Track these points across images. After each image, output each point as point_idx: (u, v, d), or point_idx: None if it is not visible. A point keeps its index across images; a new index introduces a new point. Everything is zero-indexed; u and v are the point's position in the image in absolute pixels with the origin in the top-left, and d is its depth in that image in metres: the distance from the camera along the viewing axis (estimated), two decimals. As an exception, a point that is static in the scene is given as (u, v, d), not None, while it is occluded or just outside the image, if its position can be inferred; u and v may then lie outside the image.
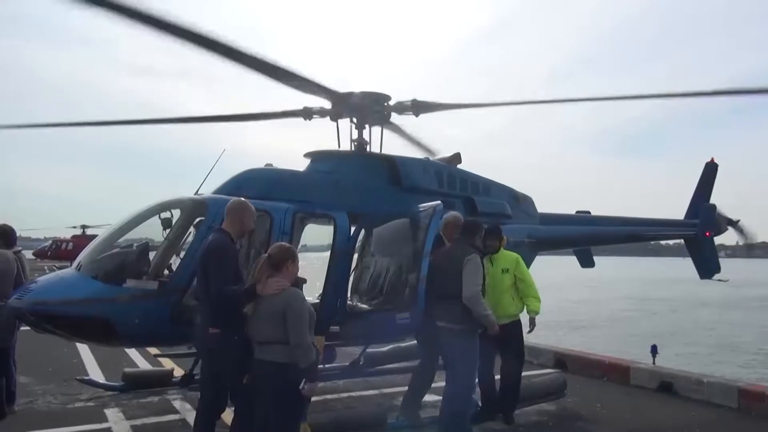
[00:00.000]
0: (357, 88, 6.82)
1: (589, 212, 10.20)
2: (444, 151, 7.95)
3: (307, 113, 7.18)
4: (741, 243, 10.63)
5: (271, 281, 3.86)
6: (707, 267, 9.97)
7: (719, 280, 10.54)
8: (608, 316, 29.54)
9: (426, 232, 5.86)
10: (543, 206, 8.76)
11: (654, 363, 9.03)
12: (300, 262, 4.14)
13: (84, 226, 42.76)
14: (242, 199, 4.53)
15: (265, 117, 7.42)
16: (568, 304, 32.75)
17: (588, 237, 9.35)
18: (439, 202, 6.03)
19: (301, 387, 3.74)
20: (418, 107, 7.06)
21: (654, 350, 8.90)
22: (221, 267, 4.04)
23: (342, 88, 6.82)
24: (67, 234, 45.98)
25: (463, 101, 7.42)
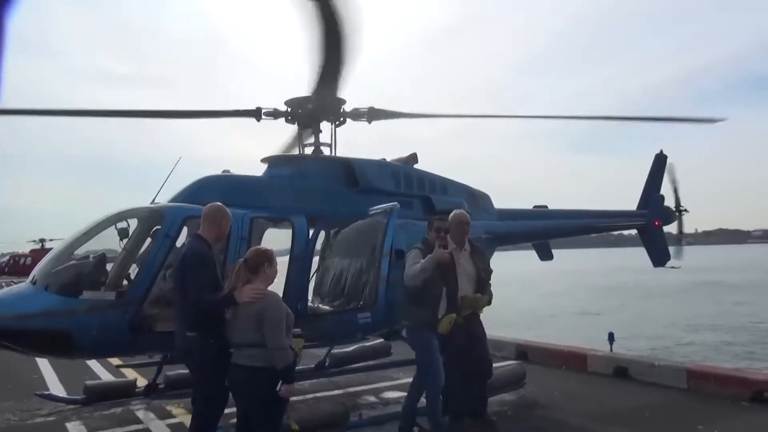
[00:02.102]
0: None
1: (546, 206, 10.52)
2: (410, 149, 8.10)
3: (257, 113, 7.22)
4: (675, 232, 11.06)
5: (246, 289, 3.91)
6: (659, 255, 10.34)
7: (672, 268, 11.00)
8: (574, 307, 30.28)
9: (384, 232, 6.02)
10: (510, 202, 9.01)
11: (611, 350, 9.39)
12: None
13: (42, 240, 41.65)
14: (218, 203, 4.53)
15: (217, 115, 7.42)
16: (535, 297, 33.48)
17: (545, 231, 9.62)
18: (395, 203, 6.18)
19: (278, 389, 3.81)
20: (372, 114, 7.19)
21: (611, 338, 9.22)
22: (199, 274, 4.07)
23: (298, 92, 6.98)
24: (27, 248, 44.66)
25: (418, 111, 7.69)
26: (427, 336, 5.26)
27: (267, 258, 4.08)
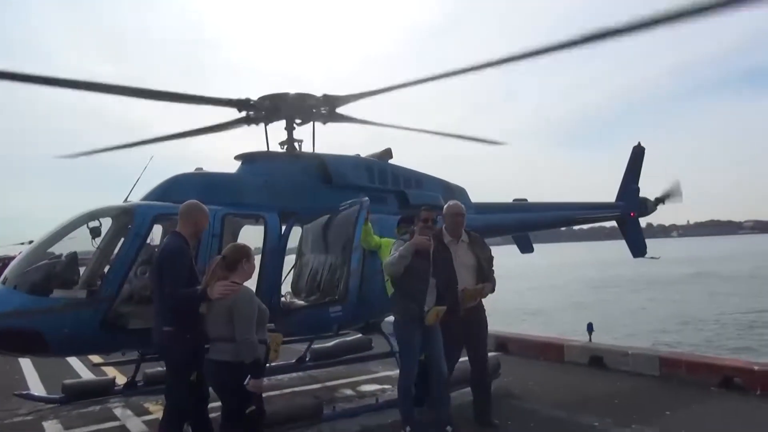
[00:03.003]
0: (297, 87, 7.02)
1: (525, 200, 10.64)
2: (396, 145, 8.14)
3: (238, 122, 7.30)
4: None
5: (218, 285, 3.99)
6: (636, 246, 10.46)
7: (651, 258, 11.13)
8: (565, 300, 30.47)
9: (354, 227, 6.08)
10: (498, 196, 9.07)
11: (590, 340, 9.49)
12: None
13: (32, 242, 41.39)
14: (195, 201, 4.60)
15: (207, 131, 7.61)
16: (530, 291, 33.64)
17: (523, 223, 9.72)
18: (365, 198, 6.23)
19: (245, 383, 3.84)
20: (331, 101, 7.08)
21: (590, 328, 9.28)
22: (175, 269, 4.15)
23: (275, 89, 7.06)
24: (13, 250, 44.43)
25: (406, 109, 7.67)
26: (410, 329, 5.20)
27: (245, 254, 4.17)
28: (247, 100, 6.98)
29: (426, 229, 5.38)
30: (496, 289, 5.63)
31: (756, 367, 6.49)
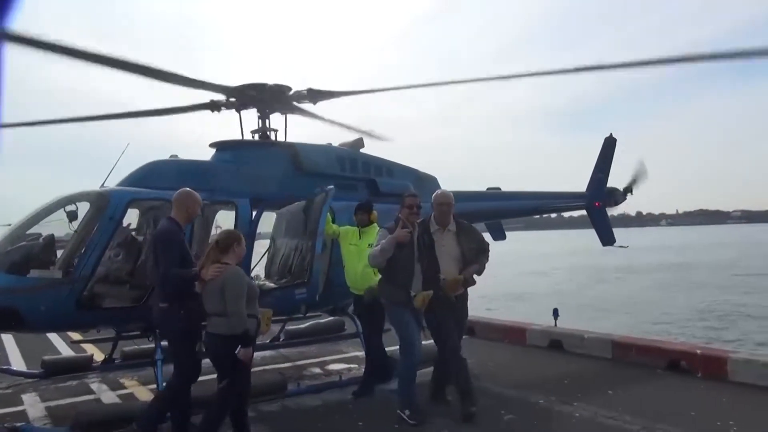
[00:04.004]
0: (276, 78, 7.19)
1: (499, 188, 10.95)
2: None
3: (214, 106, 7.52)
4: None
5: (211, 268, 4.51)
6: (604, 235, 10.81)
7: (620, 246, 11.48)
8: (547, 287, 31.01)
9: (319, 213, 6.39)
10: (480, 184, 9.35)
11: (555, 325, 9.87)
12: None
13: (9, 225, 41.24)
14: (188, 189, 5.03)
15: (173, 111, 7.71)
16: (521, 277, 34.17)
17: (493, 211, 10.04)
18: (331, 186, 6.52)
19: (237, 352, 4.36)
20: (314, 95, 7.48)
21: (555, 313, 9.64)
22: (168, 250, 4.61)
23: (250, 79, 7.28)
24: None
25: (365, 88, 7.92)
26: (400, 311, 5.41)
27: (237, 238, 4.75)
28: (225, 86, 7.17)
29: (412, 216, 5.54)
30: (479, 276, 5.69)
31: (699, 351, 6.91)
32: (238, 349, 4.36)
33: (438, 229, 5.70)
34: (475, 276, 5.67)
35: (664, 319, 20.19)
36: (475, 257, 5.66)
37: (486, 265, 5.77)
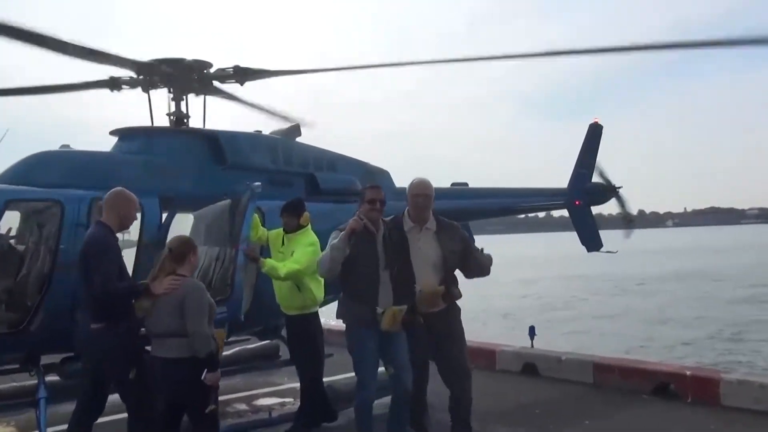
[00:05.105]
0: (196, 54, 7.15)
1: (466, 184, 11.15)
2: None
3: (114, 84, 7.49)
4: (618, 213, 11.63)
5: (166, 280, 4.59)
6: (587, 239, 10.88)
7: (608, 252, 11.76)
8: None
9: (242, 216, 6.44)
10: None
11: (532, 346, 10.15)
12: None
13: None
14: (121, 189, 5.02)
15: (65, 89, 7.66)
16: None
17: (458, 212, 10.20)
18: (257, 183, 6.56)
19: (203, 377, 4.48)
20: (242, 74, 7.57)
21: (532, 332, 9.90)
22: (103, 261, 4.64)
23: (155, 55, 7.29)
24: None
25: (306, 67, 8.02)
26: (361, 335, 5.23)
27: (192, 246, 4.85)
28: (132, 60, 7.08)
29: (374, 212, 5.28)
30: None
31: (688, 372, 7.33)
32: (204, 374, 4.48)
33: (413, 228, 5.56)
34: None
35: (665, 339, 20.85)
36: (460, 262, 5.59)
37: (490, 267, 5.71)
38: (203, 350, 4.50)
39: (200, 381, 4.51)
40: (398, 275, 5.25)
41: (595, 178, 11.39)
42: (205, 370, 4.51)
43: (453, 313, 5.64)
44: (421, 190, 5.60)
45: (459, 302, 5.70)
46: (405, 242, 5.45)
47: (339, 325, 6.17)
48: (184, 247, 4.79)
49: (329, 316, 7.00)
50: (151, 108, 7.50)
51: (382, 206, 5.39)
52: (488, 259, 5.73)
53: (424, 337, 5.46)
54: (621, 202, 11.35)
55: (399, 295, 5.22)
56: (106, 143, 7.32)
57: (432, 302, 5.37)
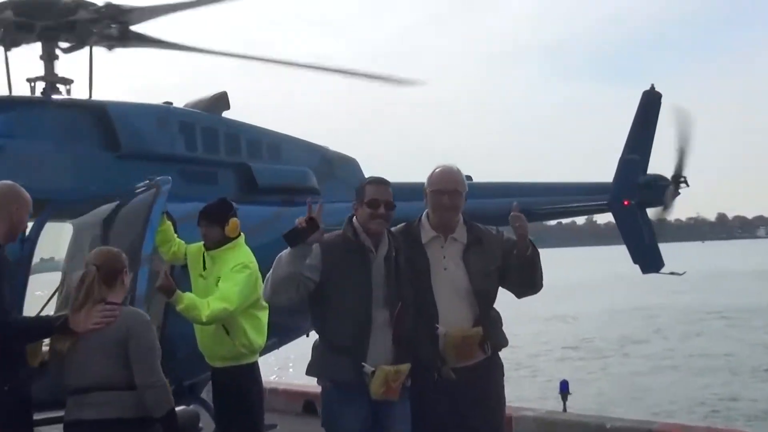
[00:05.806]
0: None
1: (470, 178, 11.13)
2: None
3: None
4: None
5: (94, 311, 4.36)
6: (641, 254, 10.47)
7: (671, 274, 11.54)
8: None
9: (145, 222, 6.27)
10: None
11: (564, 409, 10.06)
12: None
13: None
14: (7, 182, 4.78)
15: None
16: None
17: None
18: (166, 177, 6.42)
19: None
20: (138, 16, 7.41)
21: (564, 388, 9.85)
22: None
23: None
24: None
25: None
26: (340, 404, 4.85)
27: (123, 262, 4.64)
28: None
29: (376, 221, 4.81)
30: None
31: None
32: None
33: (434, 239, 4.96)
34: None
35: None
36: (491, 286, 5.02)
37: (541, 281, 5.10)
38: (161, 408, 4.30)
39: None
40: (412, 311, 4.79)
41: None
42: None
43: (493, 369, 5.03)
44: (446, 183, 4.94)
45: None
46: (426, 262, 4.91)
47: (287, 383, 6.04)
48: (115, 263, 4.53)
49: (285, 368, 6.88)
50: (8, 70, 7.36)
51: (388, 212, 4.82)
52: (537, 258, 5.04)
53: (443, 404, 4.83)
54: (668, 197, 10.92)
55: (401, 344, 4.73)
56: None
57: (462, 352, 4.83)
